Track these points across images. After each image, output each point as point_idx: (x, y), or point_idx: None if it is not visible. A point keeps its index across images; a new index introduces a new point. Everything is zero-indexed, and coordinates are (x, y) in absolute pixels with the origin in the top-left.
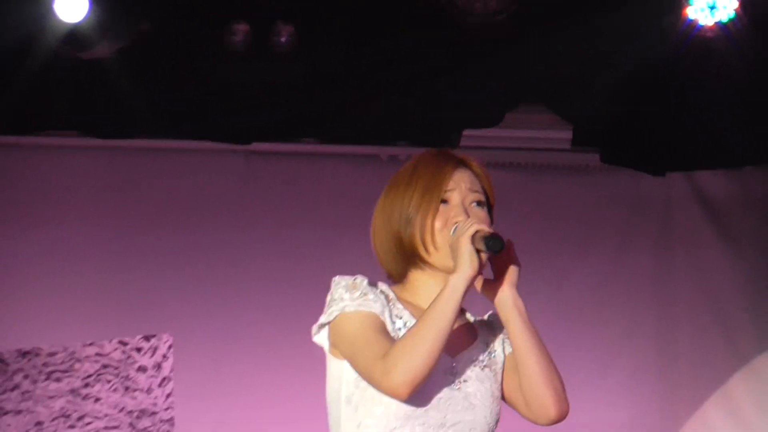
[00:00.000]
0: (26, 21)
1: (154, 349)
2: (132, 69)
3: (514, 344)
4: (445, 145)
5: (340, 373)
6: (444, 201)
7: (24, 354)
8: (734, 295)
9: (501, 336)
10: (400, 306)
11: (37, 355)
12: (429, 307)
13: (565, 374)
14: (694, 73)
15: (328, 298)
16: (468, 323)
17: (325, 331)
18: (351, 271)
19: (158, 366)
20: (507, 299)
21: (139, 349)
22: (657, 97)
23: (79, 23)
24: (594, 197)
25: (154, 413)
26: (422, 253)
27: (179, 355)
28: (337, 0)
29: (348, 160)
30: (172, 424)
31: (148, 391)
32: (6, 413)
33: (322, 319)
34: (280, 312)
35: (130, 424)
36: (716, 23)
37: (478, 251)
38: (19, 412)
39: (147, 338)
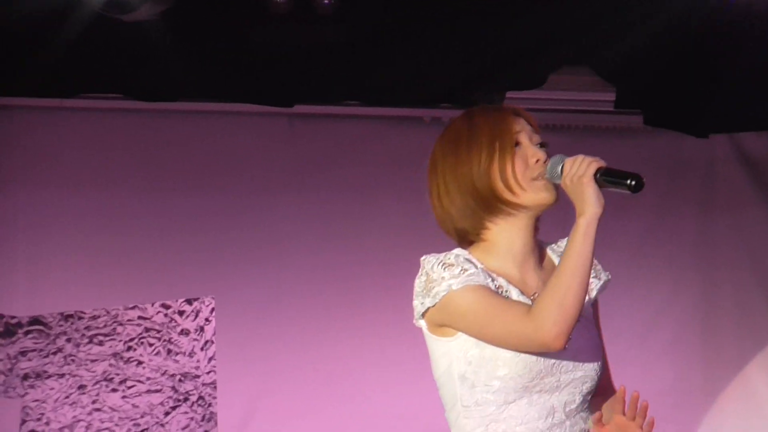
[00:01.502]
0: None
1: (197, 313)
2: (174, 31)
3: (562, 255)
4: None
5: (447, 351)
6: (516, 143)
7: (66, 317)
8: None
9: (598, 267)
10: (493, 274)
11: (79, 318)
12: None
13: (608, 337)
14: (737, 34)
15: (422, 279)
16: (552, 267)
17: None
18: (394, 234)
19: (201, 329)
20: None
21: (181, 312)
22: (700, 59)
23: None
24: (637, 159)
25: (196, 377)
26: (509, 197)
27: (222, 319)
28: None
29: (391, 122)
30: (215, 388)
31: (191, 354)
32: (49, 377)
33: (427, 302)
34: (322, 275)
35: (173, 388)
36: None
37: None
38: (61, 375)
39: (189, 301)
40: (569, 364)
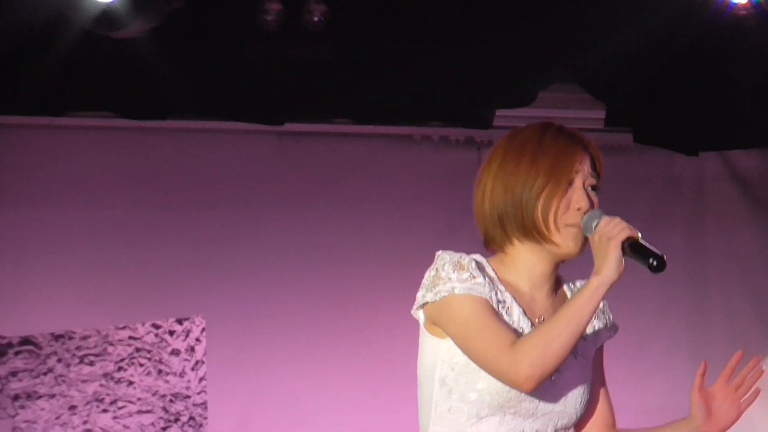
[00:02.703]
0: (60, 1)
1: (187, 332)
2: (164, 49)
3: (565, 304)
4: (477, 126)
5: (435, 351)
6: (570, 182)
7: (57, 337)
8: (767, 273)
9: (594, 321)
10: (501, 287)
11: (70, 338)
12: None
13: None
14: (727, 52)
15: (432, 273)
16: (565, 300)
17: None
18: (383, 251)
19: (191, 349)
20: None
21: (172, 332)
22: (690, 77)
23: (111, 3)
24: (627, 177)
25: (187, 397)
26: (543, 230)
27: (212, 339)
28: None
29: (380, 140)
30: (205, 408)
31: (182, 374)
32: (39, 397)
33: (428, 297)
34: (313, 293)
35: (163, 408)
36: (749, 1)
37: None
38: (52, 395)
39: (180, 321)
40: (551, 396)
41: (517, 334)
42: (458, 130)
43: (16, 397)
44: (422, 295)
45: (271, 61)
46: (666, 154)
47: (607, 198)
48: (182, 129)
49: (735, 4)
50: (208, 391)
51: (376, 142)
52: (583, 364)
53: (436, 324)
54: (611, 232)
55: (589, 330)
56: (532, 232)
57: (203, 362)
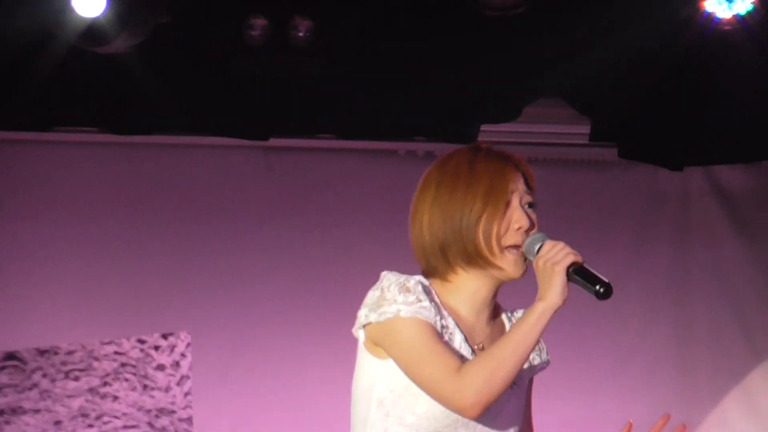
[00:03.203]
0: (44, 16)
1: (173, 347)
2: (150, 64)
3: (510, 330)
4: (462, 141)
5: (374, 372)
6: (507, 203)
7: (42, 353)
8: (752, 290)
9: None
10: (445, 312)
11: (55, 353)
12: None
13: (583, 369)
14: (712, 67)
15: (376, 293)
16: (502, 327)
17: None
18: (369, 266)
19: (177, 364)
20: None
21: (157, 347)
22: (675, 92)
23: (96, 18)
24: (612, 192)
25: (172, 412)
26: (488, 256)
27: (197, 354)
28: None
29: (366, 155)
30: (191, 423)
31: (167, 389)
32: (25, 412)
33: (371, 317)
34: (299, 309)
35: (149, 423)
36: (734, 16)
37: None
38: (37, 411)
39: (165, 336)
40: (487, 422)
41: (458, 357)
42: (443, 146)
43: (1, 413)
44: (365, 315)
45: (257, 76)
46: (651, 169)
47: (592, 212)
48: (168, 144)
49: (720, 19)
50: (194, 406)
51: (362, 157)
52: (518, 394)
53: (378, 345)
54: (555, 258)
55: (541, 352)
56: (476, 258)
57: (188, 377)
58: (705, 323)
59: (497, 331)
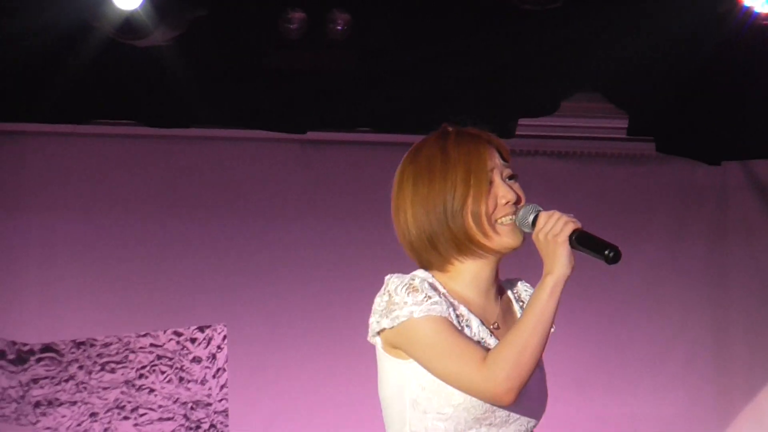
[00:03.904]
0: (82, 8)
1: (209, 340)
2: (187, 57)
3: (525, 309)
4: (501, 135)
5: (400, 374)
6: (489, 182)
7: (79, 344)
8: None
9: None
10: (455, 301)
11: (91, 345)
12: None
13: (622, 363)
14: (750, 61)
15: (384, 298)
16: (509, 302)
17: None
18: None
19: (213, 357)
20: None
21: (193, 340)
22: (712, 86)
23: (135, 10)
24: (649, 186)
25: (208, 404)
26: (480, 239)
27: (234, 346)
28: None
29: (403, 149)
30: (227, 416)
31: (203, 382)
32: (61, 404)
33: (384, 323)
34: (334, 301)
35: (185, 416)
36: None
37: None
38: (73, 403)
39: (201, 329)
40: (521, 399)
41: (481, 345)
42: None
43: (37, 404)
44: (376, 322)
45: (293, 70)
46: (688, 164)
47: (629, 206)
48: (205, 137)
49: (758, 13)
50: (230, 398)
51: (398, 151)
52: (539, 366)
53: (397, 348)
54: (555, 228)
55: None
56: (467, 244)
57: (224, 370)
58: (741, 319)
59: (506, 306)
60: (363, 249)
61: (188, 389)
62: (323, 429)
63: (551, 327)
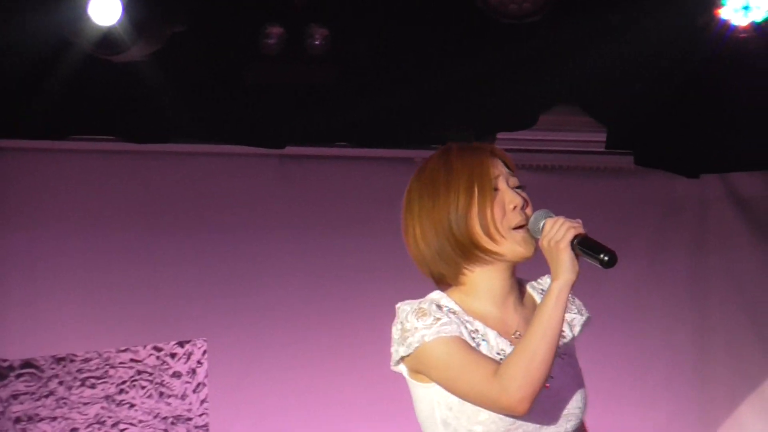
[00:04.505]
0: (60, 24)
1: (189, 355)
2: (165, 72)
3: (533, 318)
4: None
5: (429, 397)
6: (495, 189)
7: (58, 360)
8: None
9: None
10: (469, 318)
11: (71, 361)
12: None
13: (603, 376)
14: (729, 74)
15: (398, 327)
16: (534, 303)
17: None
18: (384, 274)
19: (193, 372)
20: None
21: (173, 355)
22: (691, 99)
23: (113, 26)
24: (628, 199)
25: (188, 419)
26: (488, 245)
27: (214, 361)
28: (372, 3)
29: (382, 163)
30: (207, 430)
31: (183, 397)
32: (41, 420)
33: (401, 351)
34: (314, 316)
35: (165, 430)
36: (750, 23)
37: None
38: (54, 418)
39: (181, 344)
40: (552, 405)
41: (499, 357)
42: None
43: (17, 420)
44: (396, 351)
45: (272, 84)
46: (667, 177)
47: (609, 220)
48: (184, 152)
49: (735, 27)
50: (210, 413)
51: (377, 165)
52: (570, 362)
53: (419, 373)
54: (557, 234)
55: (564, 328)
56: (474, 251)
57: (205, 384)
58: (722, 329)
59: (529, 311)
60: (341, 262)
61: (168, 404)
62: None
63: (560, 332)
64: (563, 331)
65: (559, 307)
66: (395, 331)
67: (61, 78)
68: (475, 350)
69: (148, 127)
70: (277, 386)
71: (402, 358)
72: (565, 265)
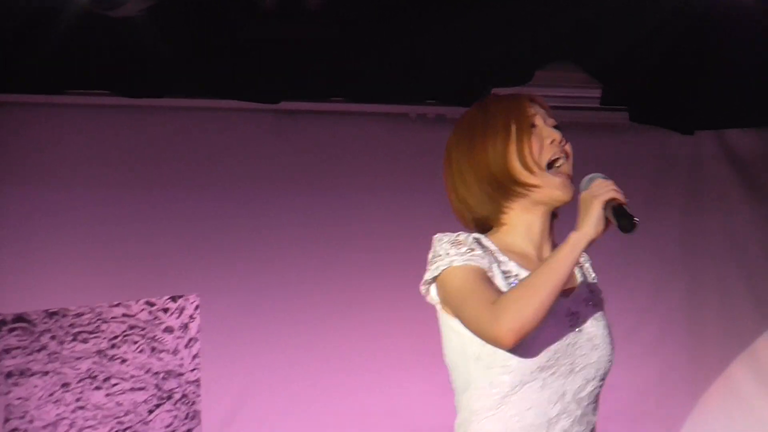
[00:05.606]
0: None
1: (181, 310)
2: (161, 27)
3: (545, 260)
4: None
5: (460, 332)
6: (532, 125)
7: (51, 314)
8: (762, 254)
9: (588, 266)
10: (504, 258)
11: (63, 315)
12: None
13: None
14: (724, 31)
15: (431, 254)
16: None
17: (433, 288)
18: (379, 228)
19: (185, 327)
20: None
21: (165, 310)
22: (686, 56)
23: None
24: (623, 156)
25: (180, 374)
26: (527, 178)
27: (206, 316)
28: None
29: (377, 118)
30: (199, 386)
31: (175, 352)
32: (33, 374)
33: (427, 275)
34: (309, 271)
35: (156, 386)
36: None
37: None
38: (45, 373)
39: (174, 299)
40: (585, 348)
41: None
42: (454, 109)
43: (9, 375)
44: (426, 276)
45: (268, 40)
46: (662, 134)
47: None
48: (178, 107)
49: None
50: (202, 368)
51: (372, 121)
52: (601, 313)
53: (445, 302)
54: (598, 191)
55: (591, 278)
56: (513, 187)
57: (197, 340)
58: (715, 287)
59: None
60: (337, 218)
61: (160, 359)
62: (296, 400)
63: (565, 280)
64: (593, 282)
65: (571, 255)
66: (429, 259)
67: (57, 33)
68: (490, 283)
69: (142, 82)
70: (269, 342)
71: (428, 282)
72: (591, 219)
